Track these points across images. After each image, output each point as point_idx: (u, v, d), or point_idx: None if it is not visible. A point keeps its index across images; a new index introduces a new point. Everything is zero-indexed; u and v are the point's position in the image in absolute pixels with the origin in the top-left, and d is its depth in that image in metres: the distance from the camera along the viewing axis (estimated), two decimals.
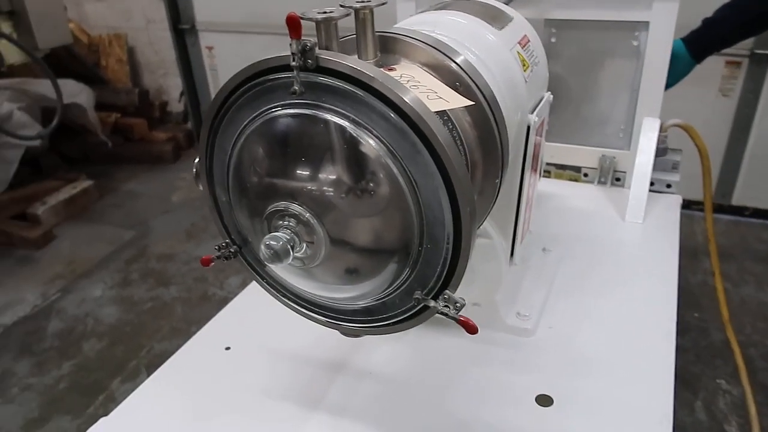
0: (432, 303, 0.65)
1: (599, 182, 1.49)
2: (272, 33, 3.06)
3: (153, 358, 2.12)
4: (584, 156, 1.51)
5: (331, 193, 0.61)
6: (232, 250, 0.75)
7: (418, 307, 0.68)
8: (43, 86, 3.12)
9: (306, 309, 0.77)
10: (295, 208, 0.62)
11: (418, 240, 0.63)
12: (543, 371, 0.95)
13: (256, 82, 0.64)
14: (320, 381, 0.95)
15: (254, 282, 0.84)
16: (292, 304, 0.78)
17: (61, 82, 3.04)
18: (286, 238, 0.61)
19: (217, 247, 0.77)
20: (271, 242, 0.60)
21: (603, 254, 1.24)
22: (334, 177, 0.61)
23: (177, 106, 3.93)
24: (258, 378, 0.96)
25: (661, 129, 1.39)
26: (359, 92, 0.59)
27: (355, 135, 0.59)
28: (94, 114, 3.48)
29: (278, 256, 0.60)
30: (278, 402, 0.91)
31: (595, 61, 1.42)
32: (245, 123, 0.65)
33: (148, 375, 0.96)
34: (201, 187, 0.78)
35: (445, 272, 0.64)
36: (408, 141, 0.59)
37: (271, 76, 0.62)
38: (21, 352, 2.25)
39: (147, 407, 0.92)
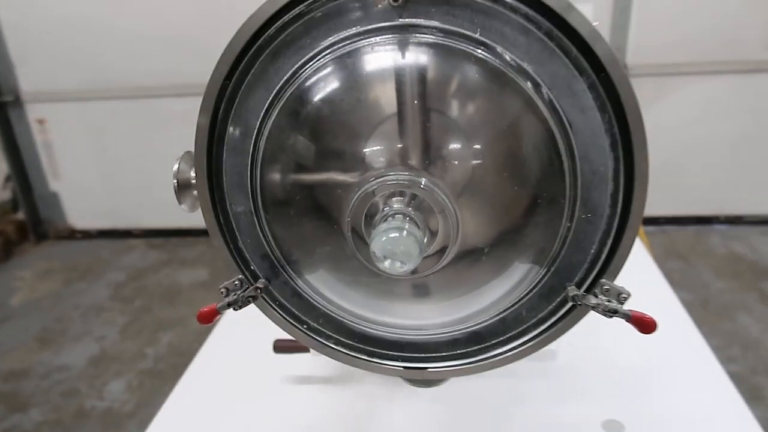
0: (594, 300, 0.45)
1: None
2: (119, 97, 2.70)
3: None
4: None
5: (464, 153, 0.41)
6: (261, 285, 0.50)
7: (558, 314, 0.48)
8: None
9: (380, 357, 0.53)
10: (410, 183, 0.40)
11: (569, 209, 0.44)
12: None
13: (297, 13, 0.42)
14: None
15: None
16: (359, 356, 0.53)
17: None
18: (414, 228, 0.38)
19: (224, 290, 0.51)
20: (396, 234, 0.37)
21: None
22: (467, 128, 0.40)
23: (2, 194, 3.29)
24: None
25: None
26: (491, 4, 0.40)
27: (487, 60, 0.40)
28: None
29: (411, 255, 0.37)
30: None
31: None
32: (294, 71, 0.43)
33: None
34: (184, 206, 0.52)
35: (604, 253, 0.46)
36: (558, 63, 0.41)
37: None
38: None
39: None
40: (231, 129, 0.46)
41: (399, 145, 0.41)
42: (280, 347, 0.91)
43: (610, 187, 0.44)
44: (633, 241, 0.45)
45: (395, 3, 0.38)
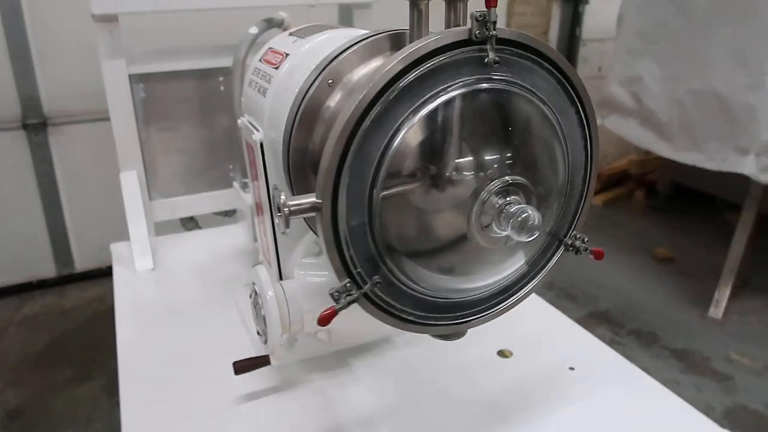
0: (580, 243, 0.72)
1: None
2: None
3: None
4: None
5: (530, 158, 0.63)
6: (379, 280, 0.62)
7: (551, 260, 0.74)
8: None
9: (442, 320, 0.70)
10: (510, 179, 0.61)
11: (567, 188, 0.70)
12: None
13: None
14: None
15: None
16: (428, 323, 0.69)
17: None
18: (531, 208, 0.59)
19: (336, 293, 0.62)
20: (526, 213, 0.58)
21: None
22: (531, 142, 0.63)
23: None
24: None
25: None
26: (525, 62, 0.63)
27: (531, 99, 0.63)
28: None
29: (540, 223, 0.58)
30: None
31: None
32: (411, 110, 0.58)
33: None
34: (286, 228, 0.61)
35: (577, 216, 0.73)
36: (562, 98, 0.66)
37: (435, 60, 0.58)
38: None
39: None
40: (354, 158, 0.58)
41: (493, 157, 0.61)
42: (240, 368, 0.95)
43: (582, 172, 0.71)
44: (590, 205, 0.73)
45: (496, 64, 0.58)
